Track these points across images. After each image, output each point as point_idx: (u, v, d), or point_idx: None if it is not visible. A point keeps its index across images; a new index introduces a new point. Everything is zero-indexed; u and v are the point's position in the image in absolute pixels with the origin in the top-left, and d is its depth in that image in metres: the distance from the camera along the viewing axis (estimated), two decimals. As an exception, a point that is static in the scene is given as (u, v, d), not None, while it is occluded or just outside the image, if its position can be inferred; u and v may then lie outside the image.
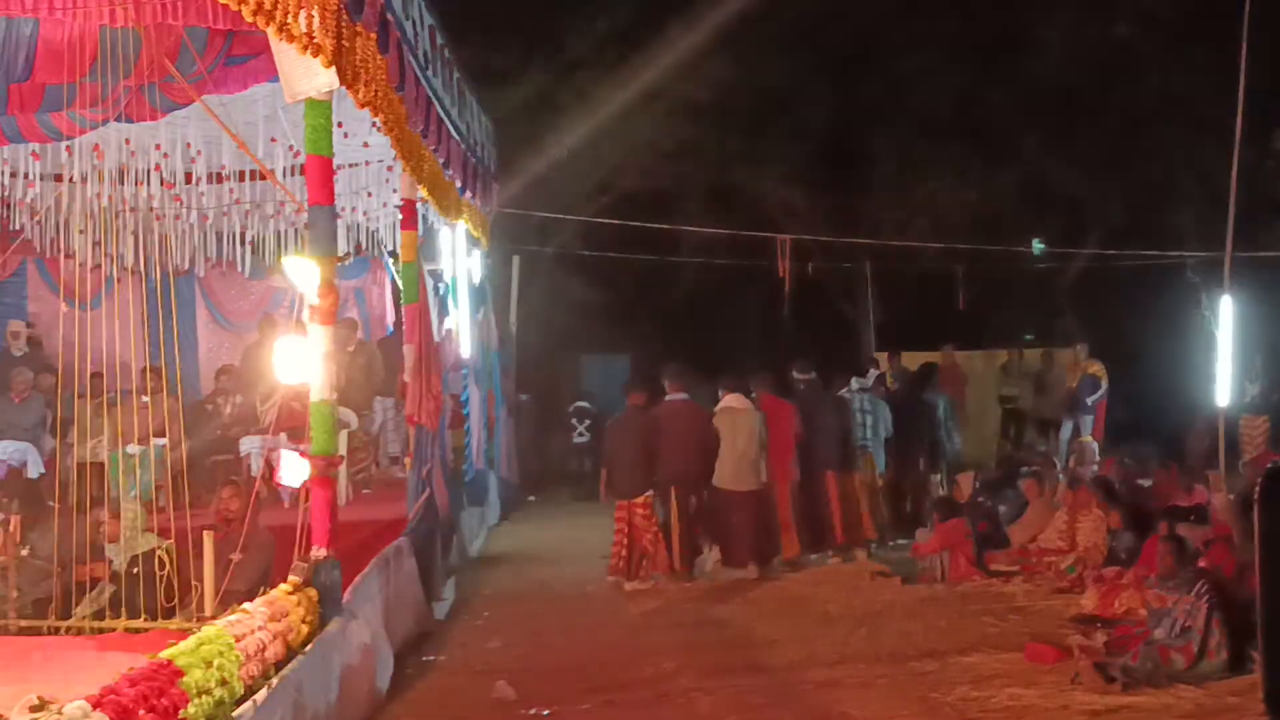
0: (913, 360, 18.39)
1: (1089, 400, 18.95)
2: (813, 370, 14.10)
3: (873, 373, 15.71)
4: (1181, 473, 14.80)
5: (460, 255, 14.30)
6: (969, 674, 8.86)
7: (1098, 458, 17.57)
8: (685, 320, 24.40)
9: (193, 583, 8.60)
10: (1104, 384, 19.03)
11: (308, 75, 7.81)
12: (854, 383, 14.68)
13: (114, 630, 8.53)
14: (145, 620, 8.54)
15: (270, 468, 11.14)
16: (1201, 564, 9.66)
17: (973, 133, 22.78)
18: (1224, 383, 17.72)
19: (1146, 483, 14.62)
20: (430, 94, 10.41)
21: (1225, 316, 17.74)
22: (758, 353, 21.97)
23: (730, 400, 13.14)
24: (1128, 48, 21.72)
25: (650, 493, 12.79)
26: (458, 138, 12.11)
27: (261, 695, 6.25)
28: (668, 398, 13.08)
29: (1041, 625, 10.21)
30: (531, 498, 19.63)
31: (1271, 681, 2.80)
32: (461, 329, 14.68)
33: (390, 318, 16.31)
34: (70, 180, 12.85)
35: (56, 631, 8.78)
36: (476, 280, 15.37)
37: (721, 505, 13.04)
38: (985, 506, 14.09)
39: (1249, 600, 9.25)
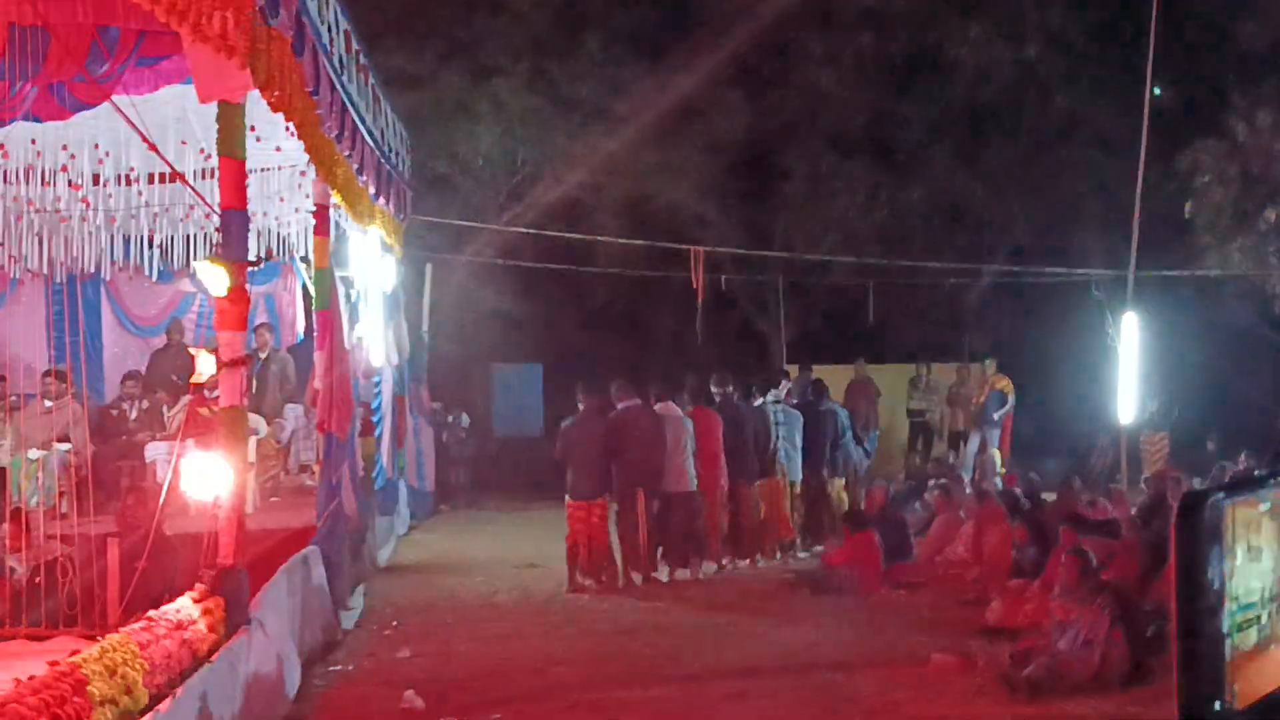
0: (824, 373, 18.54)
1: (996, 415, 19.22)
2: (730, 384, 14.43)
3: (785, 384, 15.82)
4: (1084, 487, 15.05)
5: (373, 262, 14.19)
6: (876, 684, 8.95)
7: (1003, 471, 17.84)
8: (598, 330, 24.40)
9: (96, 591, 8.45)
10: (1011, 399, 19.32)
11: (221, 77, 7.72)
12: (770, 394, 14.93)
13: (15, 638, 8.36)
14: (47, 628, 8.37)
15: (177, 474, 10.96)
16: (1104, 577, 9.82)
17: (884, 149, 23.06)
18: (1126, 399, 18.10)
19: (1051, 496, 14.83)
20: (345, 99, 10.33)
21: (1128, 334, 18.12)
22: (670, 363, 22.07)
23: (663, 408, 13.41)
24: (1036, 69, 22.09)
25: (607, 496, 13.00)
26: (372, 143, 12.03)
27: (166, 705, 6.16)
28: (621, 404, 13.26)
29: (947, 636, 10.31)
30: (444, 507, 19.52)
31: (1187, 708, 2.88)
32: (373, 336, 14.57)
33: (301, 324, 16.14)
34: (-27, 179, 12.60)
35: (-45, 640, 8.58)
36: (389, 287, 15.25)
37: (663, 507, 13.34)
38: (894, 519, 14.22)
39: (1150, 612, 9.44)
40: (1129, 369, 18.64)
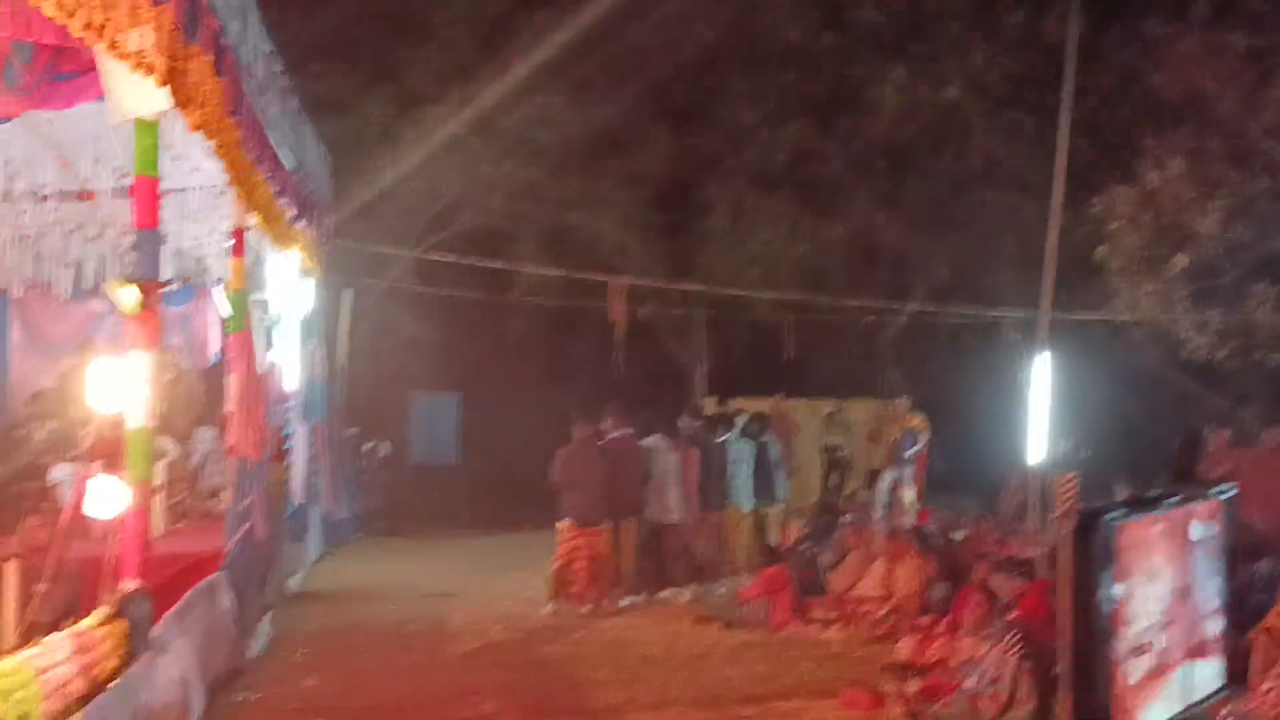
0: (743, 408, 18.60)
1: (909, 452, 19.33)
2: (700, 419, 15.65)
3: (740, 419, 16.21)
4: (995, 525, 15.20)
5: (291, 286, 14.05)
6: (787, 719, 8.95)
7: (916, 508, 17.97)
8: (517, 360, 24.32)
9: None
10: (924, 437, 19.46)
11: (138, 95, 7.61)
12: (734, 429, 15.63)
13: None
14: (-59, 652, 8.17)
15: (80, 496, 10.76)
16: (1013, 615, 9.91)
17: (806, 186, 23.24)
18: (1038, 439, 18.32)
19: (962, 534, 14.95)
20: (265, 120, 10.24)
21: (1041, 375, 18.36)
22: (589, 395, 22.03)
23: (651, 440, 14.31)
24: (956, 111, 22.39)
25: (608, 522, 13.60)
26: (293, 165, 11.93)
27: (63, 731, 6.03)
28: (614, 433, 13.89)
29: (858, 672, 10.36)
30: (357, 534, 19.33)
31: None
32: (288, 361, 14.42)
33: (215, 346, 15.93)
34: (-120, 192, 12.33)
35: None
36: (306, 312, 15.11)
37: (648, 536, 14.16)
38: (807, 553, 14.26)
39: (1056, 652, 9.54)
40: (1041, 409, 18.88)
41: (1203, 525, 3.92)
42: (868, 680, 9.94)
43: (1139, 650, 3.51)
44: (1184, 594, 3.83)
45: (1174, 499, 3.85)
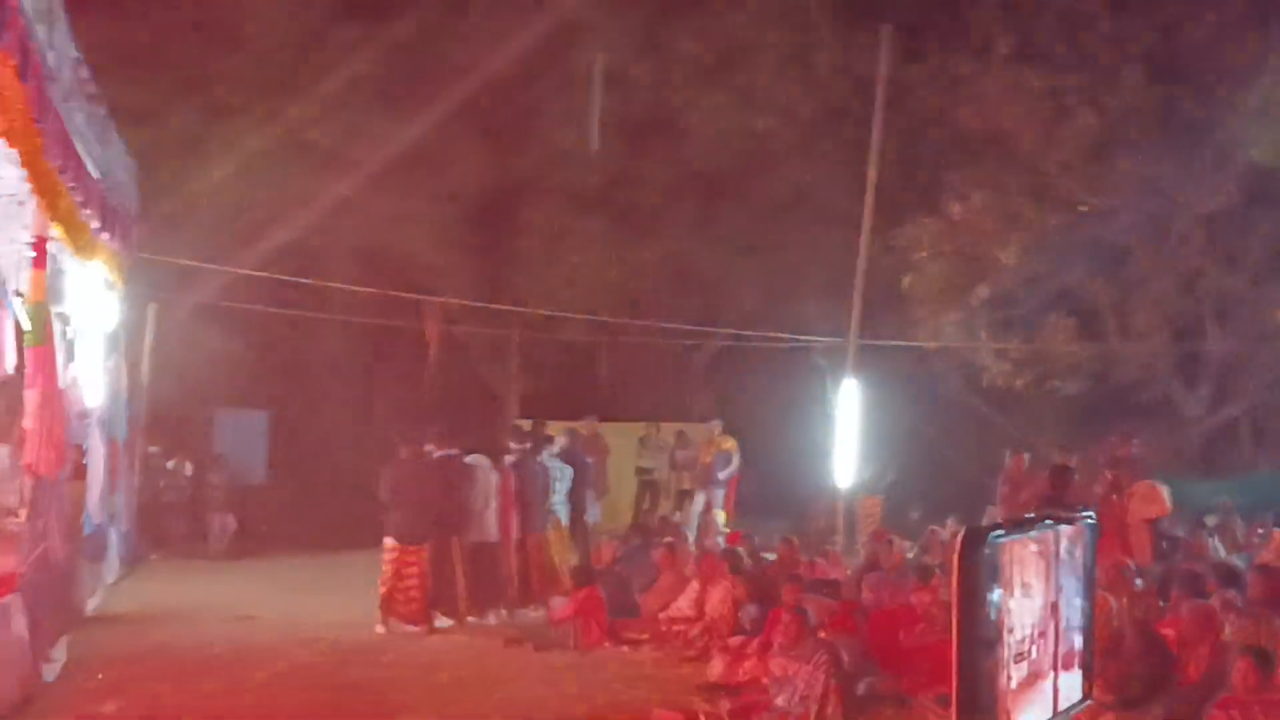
0: (556, 430, 18.61)
1: (721, 475, 19.59)
2: (524, 439, 15.54)
3: (559, 440, 16.37)
4: (804, 547, 15.46)
5: (93, 299, 13.61)
6: (599, 741, 8.98)
7: (727, 530, 18.19)
8: (328, 378, 23.94)
9: None
10: (736, 460, 19.71)
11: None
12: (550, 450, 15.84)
13: None
14: None
15: None
16: (822, 635, 10.11)
17: (621, 210, 23.38)
18: (844, 463, 18.74)
19: (772, 556, 15.18)
20: (71, 128, 9.93)
21: (848, 400, 18.78)
22: (401, 414, 21.81)
23: (474, 459, 14.29)
24: (768, 140, 22.79)
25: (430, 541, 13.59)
26: (97, 176, 11.58)
27: None
28: (439, 452, 13.95)
29: (670, 692, 10.44)
30: (155, 555, 18.79)
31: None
32: (89, 376, 13.95)
33: (11, 360, 15.32)
34: None
35: None
36: (110, 326, 14.65)
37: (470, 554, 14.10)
38: (620, 574, 14.34)
39: (862, 670, 9.77)
40: (847, 434, 19.30)
41: (1069, 547, 4.17)
42: (680, 700, 10.02)
43: (1019, 658, 3.68)
44: (1054, 610, 4.07)
45: (1047, 522, 4.07)
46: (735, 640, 11.68)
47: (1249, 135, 18.31)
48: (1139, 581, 11.10)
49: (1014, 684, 3.50)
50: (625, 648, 12.56)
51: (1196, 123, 20.29)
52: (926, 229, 20.79)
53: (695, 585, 13.27)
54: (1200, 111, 20.36)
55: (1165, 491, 14.60)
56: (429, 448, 14.03)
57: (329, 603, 14.75)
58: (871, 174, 18.62)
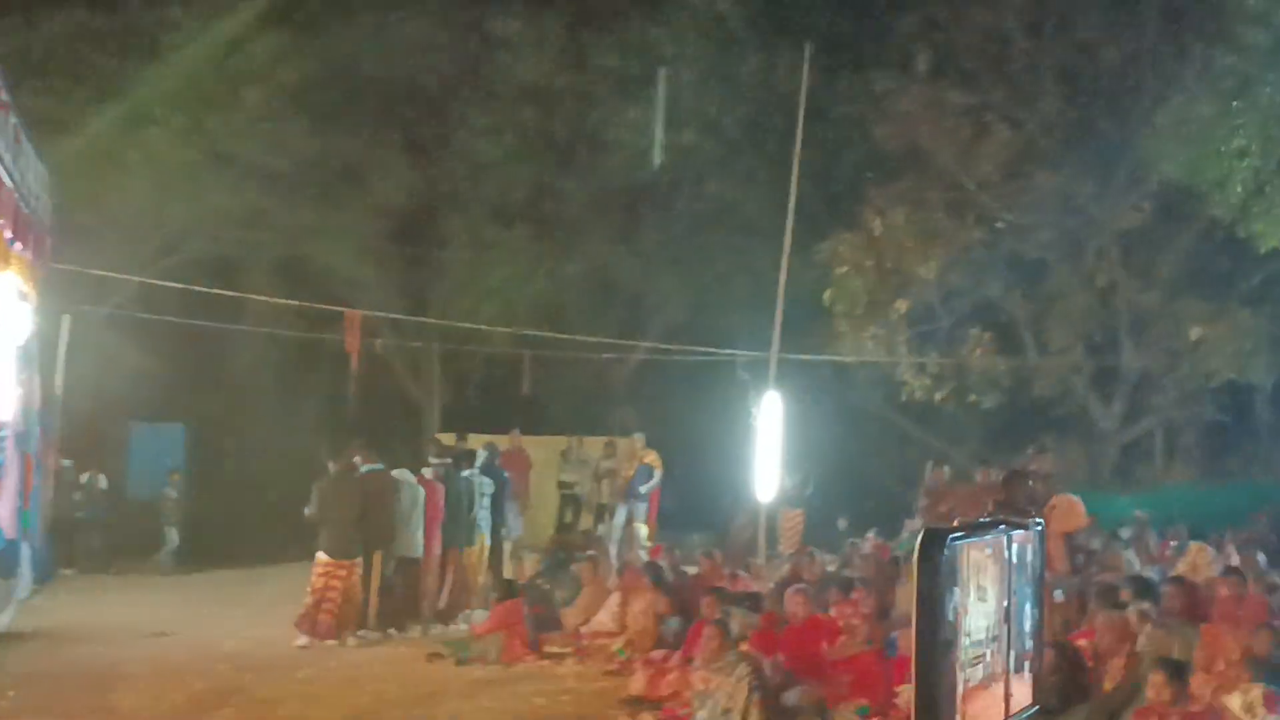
0: (479, 443, 18.54)
1: (643, 488, 19.58)
2: (445, 455, 15.66)
3: (481, 453, 16.49)
4: (726, 560, 15.50)
5: (5, 310, 13.36)
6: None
7: (649, 544, 18.20)
8: (247, 391, 23.66)
9: None
10: (658, 473, 19.71)
11: None
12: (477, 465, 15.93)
13: None
14: None
15: None
16: (744, 647, 10.13)
17: (544, 222, 23.37)
18: (766, 476, 18.78)
19: (694, 569, 15.21)
20: (-17, 136, 9.77)
21: (770, 414, 18.83)
22: (322, 428, 21.61)
23: (399, 474, 14.44)
24: (692, 154, 22.88)
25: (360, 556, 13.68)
26: (10, 185, 11.40)
27: None
28: (365, 467, 14.05)
29: (592, 706, 10.43)
30: (68, 571, 18.50)
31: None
32: (1, 389, 13.69)
33: (-80, 372, 15.01)
34: None
35: None
36: (22, 338, 14.39)
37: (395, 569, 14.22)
38: (542, 588, 14.31)
39: (784, 683, 9.80)
40: (769, 447, 19.35)
41: (1021, 552, 4.24)
42: (602, 714, 10.03)
43: (975, 660, 3.71)
44: (1007, 614, 4.13)
45: (1001, 527, 4.12)
46: (657, 654, 11.70)
47: (1163, 153, 18.64)
48: (1057, 593, 11.24)
49: (971, 685, 3.53)
50: (547, 661, 12.53)
51: (1112, 140, 20.65)
52: (847, 244, 20.94)
53: (617, 599, 13.28)
54: (1116, 129, 20.73)
55: (1082, 505, 14.79)
56: (356, 461, 14.06)
57: (247, 618, 14.61)
58: (793, 189, 18.70)
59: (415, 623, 14.24)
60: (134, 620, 14.43)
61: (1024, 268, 21.97)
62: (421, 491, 14.39)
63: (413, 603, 14.31)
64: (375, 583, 13.88)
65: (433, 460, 15.32)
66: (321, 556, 13.51)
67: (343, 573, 13.44)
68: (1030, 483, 13.23)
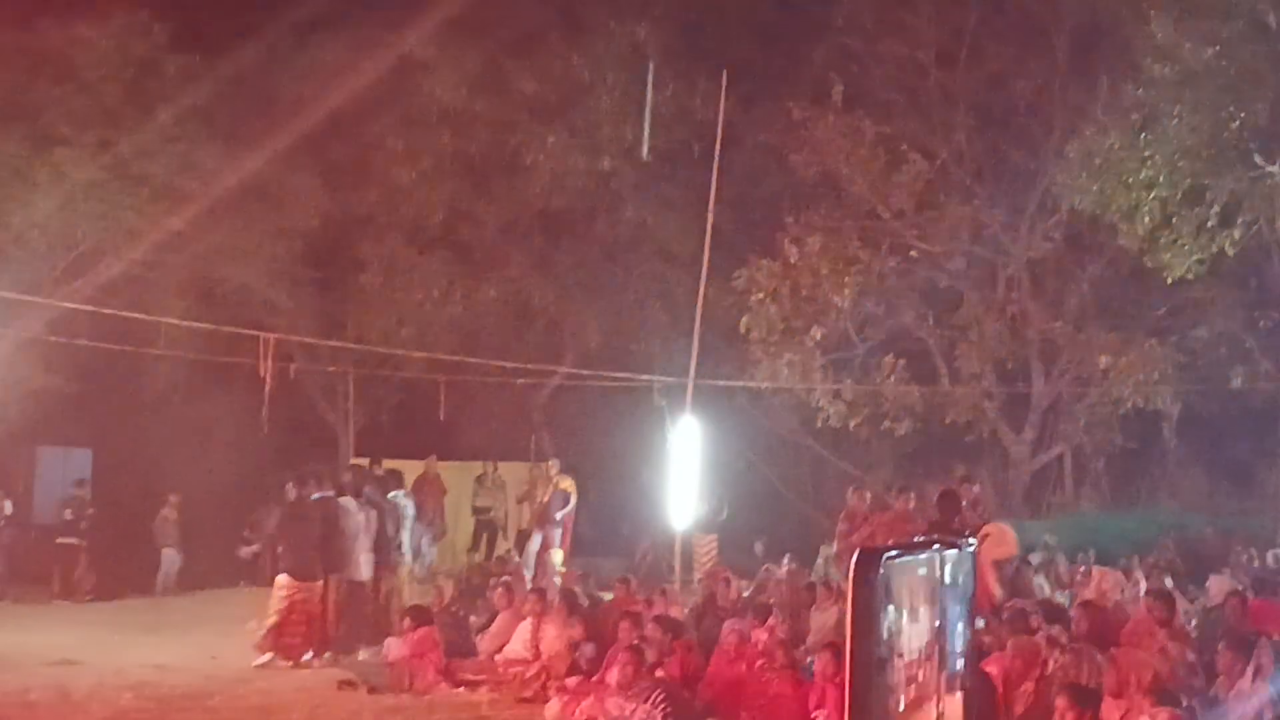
0: (394, 469, 18.41)
1: (558, 514, 19.51)
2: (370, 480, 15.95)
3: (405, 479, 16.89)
4: (641, 586, 15.48)
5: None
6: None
7: (563, 569, 18.13)
8: (157, 415, 23.29)
9: None
10: (573, 499, 19.67)
11: None
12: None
13: None
14: None
15: None
16: (659, 673, 10.11)
17: (461, 246, 23.28)
18: (681, 501, 18.81)
19: (608, 595, 15.18)
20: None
21: (686, 439, 18.87)
22: (232, 452, 21.35)
23: (344, 501, 14.70)
24: (609, 179, 22.93)
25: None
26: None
27: None
28: (317, 494, 14.41)
29: (506, 733, 10.35)
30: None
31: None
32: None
33: None
34: None
35: None
36: (-77, 361, 14.13)
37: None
38: (456, 615, 14.21)
39: (701, 709, 9.80)
40: (685, 472, 19.37)
41: (953, 571, 4.25)
42: (517, 741, 9.94)
43: (909, 679, 3.72)
44: (939, 633, 4.13)
45: (934, 547, 4.13)
46: (572, 680, 11.63)
47: (1073, 184, 18.94)
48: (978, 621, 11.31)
49: (902, 706, 3.55)
50: (461, 689, 12.43)
51: (1023, 171, 20.99)
52: (764, 270, 21.05)
53: (531, 625, 13.20)
54: (1027, 160, 21.08)
55: (1013, 533, 14.79)
56: (309, 488, 14.50)
57: (155, 645, 14.37)
58: (710, 216, 18.79)
59: (364, 645, 14.31)
60: (39, 648, 14.11)
61: (937, 296, 22.25)
62: (363, 516, 14.66)
63: (359, 626, 14.52)
64: (334, 605, 14.21)
65: (366, 487, 15.47)
66: (283, 579, 13.85)
67: (305, 594, 13.74)
68: (961, 509, 13.30)
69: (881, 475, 22.67)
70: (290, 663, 13.56)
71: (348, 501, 14.71)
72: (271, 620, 13.71)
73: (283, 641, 13.68)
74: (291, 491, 14.61)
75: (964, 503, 13.83)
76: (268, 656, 13.57)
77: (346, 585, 14.43)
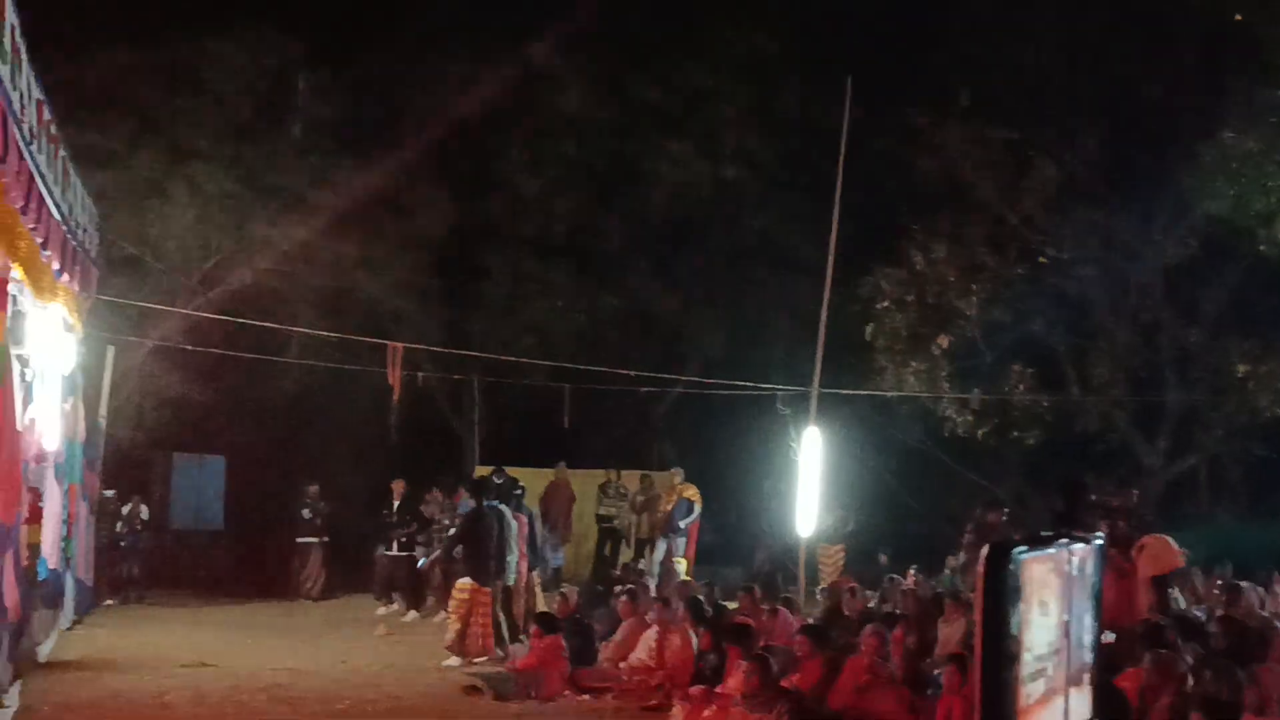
0: (518, 476, 18.53)
1: (682, 523, 19.54)
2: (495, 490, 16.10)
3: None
4: (765, 596, 15.39)
5: (52, 341, 13.49)
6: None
7: (688, 578, 18.10)
8: (288, 423, 23.74)
9: None
10: (697, 508, 19.68)
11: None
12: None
13: None
14: None
15: None
16: (784, 684, 10.05)
17: (584, 256, 23.43)
18: (806, 511, 18.70)
19: (733, 604, 15.12)
20: (33, 169, 9.86)
21: (810, 448, 18.76)
22: (363, 461, 21.67)
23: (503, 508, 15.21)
24: (732, 189, 22.91)
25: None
26: (59, 217, 11.50)
27: None
28: (487, 504, 15.01)
29: (631, 742, 10.36)
30: (111, 601, 18.59)
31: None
32: (47, 419, 13.81)
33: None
34: None
35: None
36: (68, 369, 14.52)
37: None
38: (582, 623, 14.25)
39: (830, 717, 9.72)
40: (809, 482, 19.25)
41: (1080, 565, 4.21)
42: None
43: (1037, 674, 3.69)
44: (1066, 628, 4.10)
45: (1062, 541, 4.09)
46: (696, 689, 11.60)
47: (1206, 189, 18.51)
48: (1107, 634, 11.04)
49: (1032, 700, 3.50)
50: (586, 696, 12.45)
51: (1155, 176, 20.53)
52: (889, 278, 20.89)
53: (655, 634, 13.19)
54: (1159, 165, 20.62)
55: (1175, 544, 13.46)
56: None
57: (285, 649, 14.63)
58: (834, 223, 18.68)
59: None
60: (176, 651, 14.44)
61: (1066, 303, 21.83)
62: (515, 524, 15.18)
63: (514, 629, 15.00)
64: (519, 606, 15.24)
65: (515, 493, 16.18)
66: (465, 582, 14.47)
67: (485, 598, 14.34)
68: (1116, 521, 12.83)
69: (1010, 485, 22.35)
70: (485, 659, 14.14)
71: (503, 509, 15.19)
72: (455, 625, 14.30)
73: (471, 645, 14.24)
74: (469, 501, 15.64)
75: (1115, 504, 13.38)
76: (456, 660, 14.07)
77: (504, 590, 14.93)
